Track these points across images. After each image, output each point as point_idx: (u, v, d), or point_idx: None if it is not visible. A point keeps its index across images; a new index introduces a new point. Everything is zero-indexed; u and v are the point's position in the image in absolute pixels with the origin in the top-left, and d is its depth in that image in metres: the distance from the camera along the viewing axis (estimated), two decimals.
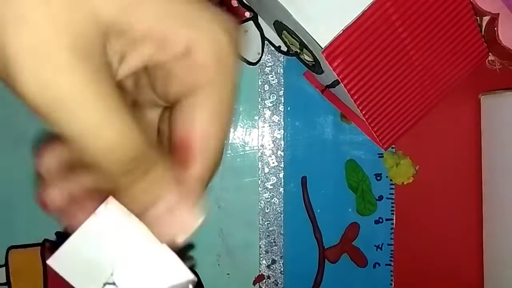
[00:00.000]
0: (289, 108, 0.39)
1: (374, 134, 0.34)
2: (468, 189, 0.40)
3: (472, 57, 0.34)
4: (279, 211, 0.40)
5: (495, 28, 0.34)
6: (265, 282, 0.40)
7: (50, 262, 0.19)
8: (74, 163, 0.21)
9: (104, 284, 0.20)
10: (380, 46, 0.30)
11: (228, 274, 0.41)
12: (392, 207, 0.40)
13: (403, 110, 0.34)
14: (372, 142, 0.39)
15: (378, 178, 0.40)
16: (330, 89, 0.37)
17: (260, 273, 0.40)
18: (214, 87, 0.19)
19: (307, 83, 0.39)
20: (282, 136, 0.39)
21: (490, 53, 0.37)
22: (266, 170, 0.40)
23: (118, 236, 0.19)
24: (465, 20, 0.32)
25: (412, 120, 0.35)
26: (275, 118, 0.39)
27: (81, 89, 0.16)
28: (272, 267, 0.40)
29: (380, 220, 0.40)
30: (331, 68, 0.29)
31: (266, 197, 0.40)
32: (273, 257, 0.40)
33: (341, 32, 0.28)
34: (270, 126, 0.40)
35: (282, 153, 0.40)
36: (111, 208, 0.19)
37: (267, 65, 0.39)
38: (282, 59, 0.39)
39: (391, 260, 0.40)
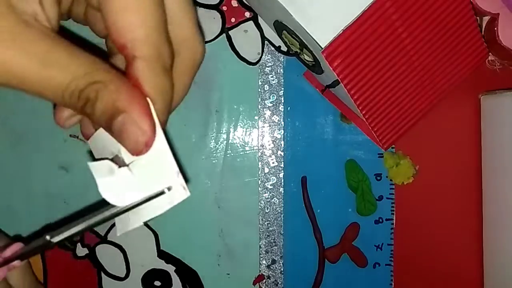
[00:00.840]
0: (289, 108, 0.39)
1: (374, 134, 0.34)
2: (468, 189, 0.40)
3: (472, 57, 0.34)
4: (279, 211, 0.40)
5: (495, 28, 0.34)
6: (265, 282, 0.40)
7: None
8: None
9: (114, 156, 0.22)
10: (380, 46, 0.30)
11: (228, 274, 0.41)
12: (392, 207, 0.40)
13: (403, 110, 0.34)
14: (372, 142, 0.39)
15: (378, 178, 0.40)
16: (330, 89, 0.37)
17: (260, 273, 0.40)
18: None
19: (307, 83, 0.39)
20: (282, 136, 0.40)
21: (490, 53, 0.37)
22: (266, 170, 0.40)
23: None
24: (465, 20, 0.32)
25: (412, 120, 0.35)
26: (275, 118, 0.39)
27: (11, 64, 0.18)
28: (272, 267, 0.40)
29: (380, 220, 0.40)
30: (331, 68, 0.29)
31: (266, 197, 0.40)
32: (273, 257, 0.40)
33: (341, 32, 0.28)
34: (270, 126, 0.40)
35: (282, 153, 0.40)
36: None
37: (267, 65, 0.39)
38: (282, 59, 0.39)
39: (391, 260, 0.40)
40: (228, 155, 0.40)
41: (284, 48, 0.39)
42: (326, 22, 0.28)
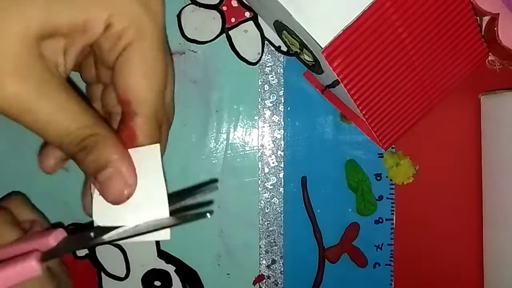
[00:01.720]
0: (289, 108, 0.39)
1: (374, 134, 0.34)
2: (468, 189, 0.40)
3: (472, 57, 0.34)
4: (279, 211, 0.40)
5: (495, 28, 0.34)
6: (265, 282, 0.40)
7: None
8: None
9: None
10: (380, 46, 0.30)
11: (228, 274, 0.41)
12: (392, 207, 0.40)
13: (403, 110, 0.34)
14: (372, 142, 0.39)
15: (378, 178, 0.40)
16: (330, 89, 0.37)
17: (260, 273, 0.40)
18: (138, 45, 0.24)
19: (307, 83, 0.39)
20: (282, 136, 0.40)
21: (490, 53, 0.37)
22: (266, 170, 0.40)
23: None
24: (465, 20, 0.32)
25: (412, 120, 0.35)
26: (275, 118, 0.39)
27: (28, 103, 0.21)
28: (272, 267, 0.40)
29: (380, 220, 0.40)
30: (331, 68, 0.29)
31: (266, 197, 0.40)
32: (273, 257, 0.40)
33: (341, 32, 0.28)
34: (270, 126, 0.40)
35: (282, 153, 0.40)
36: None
37: (267, 65, 0.39)
38: (282, 59, 0.39)
39: (391, 260, 0.40)
40: (228, 155, 0.40)
41: (284, 48, 0.39)
42: (326, 22, 0.28)
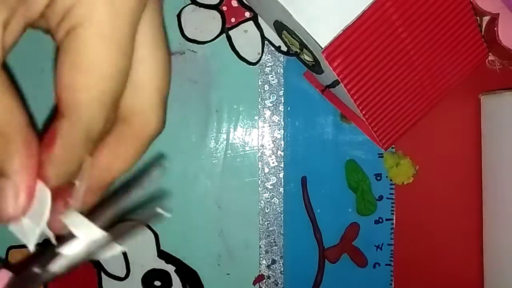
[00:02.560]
0: (289, 108, 0.39)
1: (374, 134, 0.34)
2: (468, 189, 0.40)
3: (472, 57, 0.34)
4: (279, 211, 0.40)
5: (495, 28, 0.34)
6: (265, 282, 0.40)
7: None
8: None
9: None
10: (380, 46, 0.30)
11: (228, 274, 0.41)
12: (392, 207, 0.40)
13: (403, 110, 0.34)
14: (372, 142, 0.39)
15: (378, 178, 0.40)
16: (330, 89, 0.37)
17: (260, 273, 0.40)
18: (83, 31, 0.19)
19: (307, 83, 0.39)
20: (282, 136, 0.39)
21: (490, 53, 0.37)
22: (266, 170, 0.40)
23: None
24: (465, 20, 0.32)
25: (412, 120, 0.35)
26: (275, 118, 0.39)
27: None
28: (272, 267, 0.40)
29: (380, 220, 0.40)
30: (331, 68, 0.29)
31: (266, 197, 0.40)
32: (273, 257, 0.40)
33: (341, 32, 0.28)
34: (270, 126, 0.40)
35: (282, 153, 0.40)
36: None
37: (267, 65, 0.39)
38: (282, 59, 0.39)
39: (391, 260, 0.40)
40: (228, 155, 0.40)
41: (284, 48, 0.39)
42: (326, 22, 0.28)
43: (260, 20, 0.39)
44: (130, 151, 0.23)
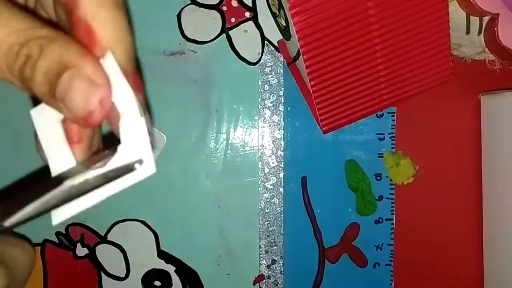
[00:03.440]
0: (289, 108, 0.39)
1: (317, 113, 0.33)
2: (468, 189, 0.40)
3: (435, 74, 0.33)
4: (279, 211, 0.40)
5: (495, 28, 0.34)
6: (265, 282, 0.40)
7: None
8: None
9: None
10: (346, 20, 0.29)
11: (228, 274, 0.41)
12: (392, 207, 0.40)
13: (352, 101, 0.33)
14: (372, 142, 0.39)
15: (378, 178, 0.40)
16: (296, 62, 0.36)
17: (260, 273, 0.40)
18: None
19: None
20: (282, 136, 0.40)
21: (490, 53, 0.37)
22: (266, 170, 0.40)
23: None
24: (438, 35, 0.31)
25: (358, 114, 0.34)
26: (275, 118, 0.39)
27: None
28: (272, 267, 0.40)
29: (380, 220, 0.40)
30: (292, 22, 0.29)
31: (266, 197, 0.40)
32: (273, 257, 0.40)
33: None
34: (270, 126, 0.40)
35: (282, 153, 0.40)
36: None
37: (267, 65, 0.39)
38: (282, 59, 0.39)
39: (391, 260, 0.40)
40: (228, 155, 0.40)
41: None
42: None
43: (260, 20, 0.39)
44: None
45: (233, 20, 0.39)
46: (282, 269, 0.40)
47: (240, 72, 0.39)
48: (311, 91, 0.32)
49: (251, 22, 0.39)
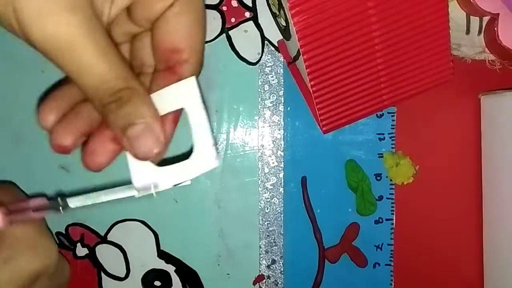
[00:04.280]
0: (289, 108, 0.39)
1: (317, 113, 0.33)
2: (468, 189, 0.40)
3: (435, 74, 0.33)
4: (279, 211, 0.40)
5: (495, 28, 0.34)
6: (265, 282, 0.40)
7: None
8: (73, 104, 0.25)
9: None
10: (347, 20, 0.29)
11: (228, 274, 0.41)
12: (392, 207, 0.40)
13: (352, 100, 0.33)
14: (372, 142, 0.39)
15: (378, 178, 0.40)
16: (296, 63, 0.36)
17: (260, 273, 0.40)
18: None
19: None
20: (282, 136, 0.40)
21: (490, 53, 0.37)
22: (266, 170, 0.40)
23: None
24: (438, 35, 0.31)
25: (358, 114, 0.34)
26: (275, 118, 0.39)
27: (76, 37, 0.21)
28: (272, 267, 0.40)
29: (380, 220, 0.40)
30: (292, 22, 0.29)
31: (266, 197, 0.40)
32: (273, 257, 0.40)
33: None
34: (270, 126, 0.40)
35: (282, 153, 0.40)
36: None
37: (267, 65, 0.39)
38: (282, 59, 0.39)
39: (391, 260, 0.40)
40: (228, 155, 0.40)
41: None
42: None
43: (260, 20, 0.39)
44: None
45: (233, 20, 0.39)
46: (282, 269, 0.40)
47: (240, 72, 0.39)
48: (311, 91, 0.32)
49: (251, 22, 0.39)
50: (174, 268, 0.41)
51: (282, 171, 0.40)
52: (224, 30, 0.39)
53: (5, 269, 0.29)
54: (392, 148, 0.39)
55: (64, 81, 0.26)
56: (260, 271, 0.40)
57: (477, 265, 0.40)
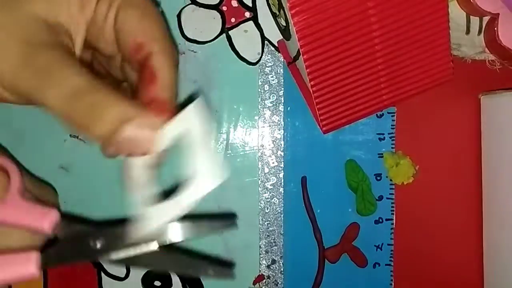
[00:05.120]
0: (289, 108, 0.39)
1: (317, 113, 0.33)
2: (468, 189, 0.40)
3: (435, 74, 0.33)
4: (279, 211, 0.40)
5: (495, 28, 0.34)
6: (265, 282, 0.40)
7: None
8: None
9: None
10: (347, 20, 0.29)
11: None
12: (392, 207, 0.40)
13: (352, 99, 0.33)
14: (372, 142, 0.39)
15: (378, 178, 0.40)
16: (296, 63, 0.36)
17: (260, 273, 0.40)
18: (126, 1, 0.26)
19: None
20: (282, 136, 0.40)
21: (490, 53, 0.37)
22: (266, 170, 0.40)
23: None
24: (438, 35, 0.31)
25: (358, 114, 0.34)
26: (275, 118, 0.39)
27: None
28: (272, 267, 0.40)
29: (380, 220, 0.40)
30: (292, 22, 0.29)
31: (266, 197, 0.40)
32: (273, 257, 0.40)
33: None
34: (270, 126, 0.40)
35: (282, 153, 0.40)
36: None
37: (267, 65, 0.39)
38: (282, 59, 0.39)
39: (391, 260, 0.40)
40: (228, 155, 0.40)
41: None
42: None
43: (260, 20, 0.39)
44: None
45: (233, 20, 0.39)
46: (282, 269, 0.40)
47: (240, 72, 0.39)
48: (311, 91, 0.32)
49: (251, 22, 0.39)
50: None
51: (282, 171, 0.40)
52: (224, 30, 0.39)
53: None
54: (392, 148, 0.39)
55: None
56: (260, 271, 0.40)
57: (477, 265, 0.40)
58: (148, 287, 0.41)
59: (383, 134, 0.39)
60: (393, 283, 0.40)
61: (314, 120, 0.39)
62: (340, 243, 0.40)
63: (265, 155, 0.40)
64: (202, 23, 0.39)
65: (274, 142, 0.40)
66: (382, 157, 0.39)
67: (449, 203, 0.40)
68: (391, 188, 0.40)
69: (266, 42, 0.39)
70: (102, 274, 0.41)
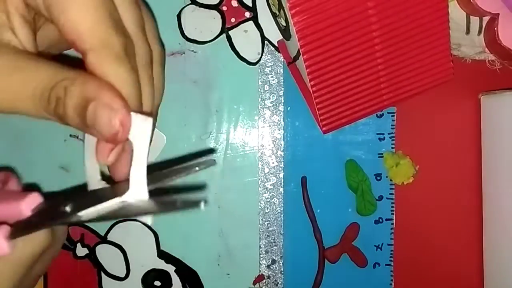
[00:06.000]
0: (289, 108, 0.39)
1: (317, 113, 0.33)
2: (468, 189, 0.40)
3: (435, 74, 0.33)
4: (279, 211, 0.40)
5: (495, 28, 0.34)
6: (265, 282, 0.40)
7: None
8: None
9: None
10: (347, 20, 0.29)
11: (228, 274, 0.41)
12: (392, 207, 0.40)
13: (352, 100, 0.33)
14: (372, 142, 0.39)
15: (378, 178, 0.40)
16: (296, 63, 0.36)
17: (260, 273, 0.40)
18: None
19: None
20: (282, 136, 0.39)
21: (490, 53, 0.37)
22: (266, 170, 0.40)
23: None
24: (438, 35, 0.31)
25: (358, 114, 0.34)
26: (275, 118, 0.39)
27: None
28: (272, 267, 0.40)
29: (380, 220, 0.40)
30: (292, 22, 0.29)
31: (266, 197, 0.40)
32: (273, 257, 0.40)
33: None
34: (270, 126, 0.40)
35: (282, 153, 0.40)
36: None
37: (267, 65, 0.39)
38: (282, 59, 0.39)
39: (391, 260, 0.40)
40: (228, 155, 0.40)
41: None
42: None
43: (260, 20, 0.39)
44: (147, 73, 0.27)
45: (233, 20, 0.39)
46: (282, 269, 0.40)
47: (240, 72, 0.39)
48: (311, 91, 0.32)
49: (251, 22, 0.39)
50: (174, 268, 0.41)
51: (282, 171, 0.40)
52: (224, 30, 0.39)
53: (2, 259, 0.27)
54: (392, 148, 0.39)
55: None
56: (260, 271, 0.40)
57: (477, 265, 0.40)
58: (148, 287, 0.41)
59: (383, 134, 0.39)
60: (393, 283, 0.40)
61: (314, 120, 0.39)
62: (340, 243, 0.40)
63: (265, 155, 0.40)
64: (202, 23, 0.39)
65: (274, 142, 0.40)
66: (382, 157, 0.39)
67: (449, 203, 0.40)
68: (391, 188, 0.40)
69: (266, 42, 0.39)
70: (102, 274, 0.41)
